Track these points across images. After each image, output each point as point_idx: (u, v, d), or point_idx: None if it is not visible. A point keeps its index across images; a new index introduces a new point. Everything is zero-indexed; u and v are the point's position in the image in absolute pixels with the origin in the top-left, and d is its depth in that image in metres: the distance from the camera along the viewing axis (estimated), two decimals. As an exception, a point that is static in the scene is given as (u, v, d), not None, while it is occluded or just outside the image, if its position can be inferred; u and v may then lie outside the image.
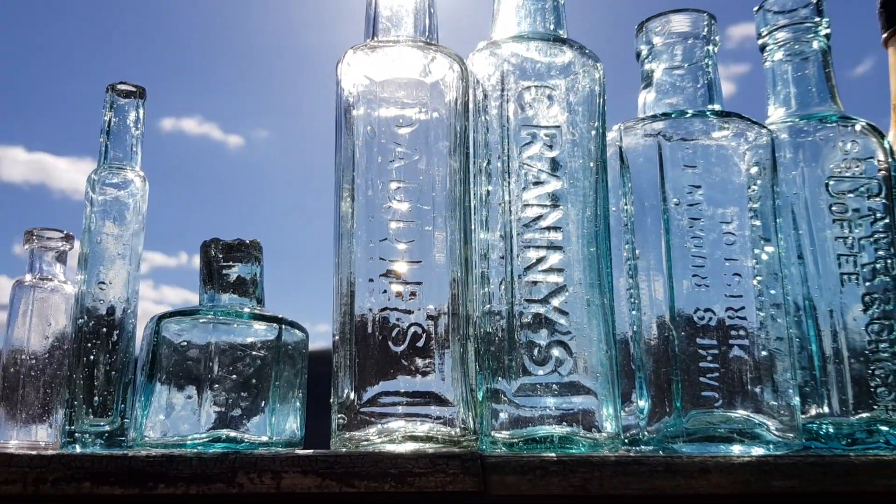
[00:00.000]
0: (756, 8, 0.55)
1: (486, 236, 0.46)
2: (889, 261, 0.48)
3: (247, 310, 0.45)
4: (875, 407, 0.46)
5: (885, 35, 0.56)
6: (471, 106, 0.49)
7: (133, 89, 0.62)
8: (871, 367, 0.46)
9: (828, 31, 0.54)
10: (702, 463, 0.42)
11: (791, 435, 0.46)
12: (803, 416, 0.47)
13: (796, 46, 0.53)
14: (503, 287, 0.45)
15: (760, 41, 0.54)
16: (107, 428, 0.55)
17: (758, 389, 0.45)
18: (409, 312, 0.45)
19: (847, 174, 0.49)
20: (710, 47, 0.52)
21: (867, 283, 0.48)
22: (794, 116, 0.51)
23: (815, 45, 0.53)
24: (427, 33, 0.51)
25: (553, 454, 0.42)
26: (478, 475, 0.40)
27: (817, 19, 0.54)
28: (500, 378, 0.44)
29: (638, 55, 0.52)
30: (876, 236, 0.48)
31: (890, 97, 0.56)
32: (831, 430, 0.46)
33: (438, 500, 0.41)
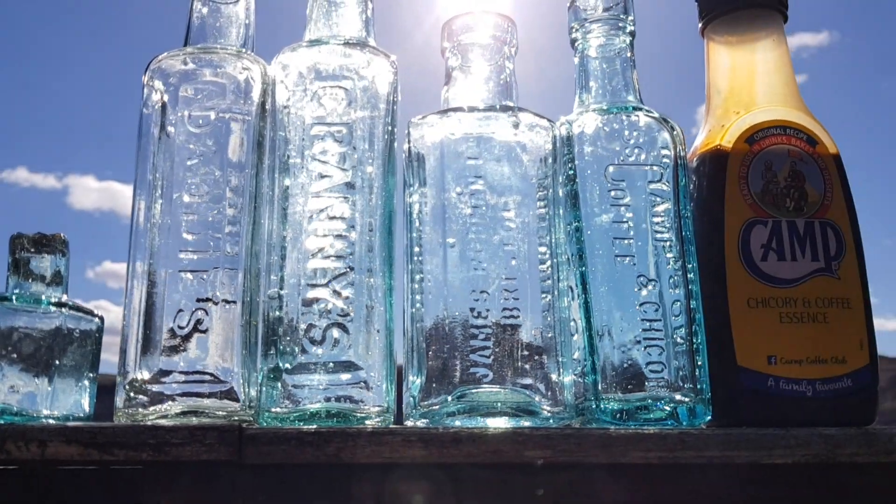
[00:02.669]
0: (568, 5, 0.58)
1: (281, 227, 0.50)
2: (665, 244, 0.51)
3: (44, 297, 0.49)
4: (647, 385, 0.49)
5: (700, 25, 0.59)
6: (276, 105, 0.52)
7: None
8: (644, 347, 0.49)
9: (633, 28, 0.57)
10: (455, 433, 0.45)
11: (560, 410, 0.48)
12: (581, 394, 0.50)
13: (602, 41, 0.56)
14: (290, 273, 0.49)
15: (571, 36, 0.57)
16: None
17: (528, 366, 0.48)
18: (199, 300, 0.48)
19: (630, 160, 0.52)
20: (507, 48, 0.55)
21: (640, 265, 0.50)
22: (593, 107, 0.54)
23: (619, 40, 0.56)
24: (244, 41, 0.55)
25: (313, 426, 0.44)
26: (234, 445, 0.44)
27: (624, 16, 0.57)
28: (281, 358, 0.47)
29: (442, 52, 0.55)
30: (654, 220, 0.51)
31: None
32: (607, 406, 0.48)
33: (197, 468, 0.44)
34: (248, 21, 0.57)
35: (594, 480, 0.48)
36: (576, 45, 0.58)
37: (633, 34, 0.58)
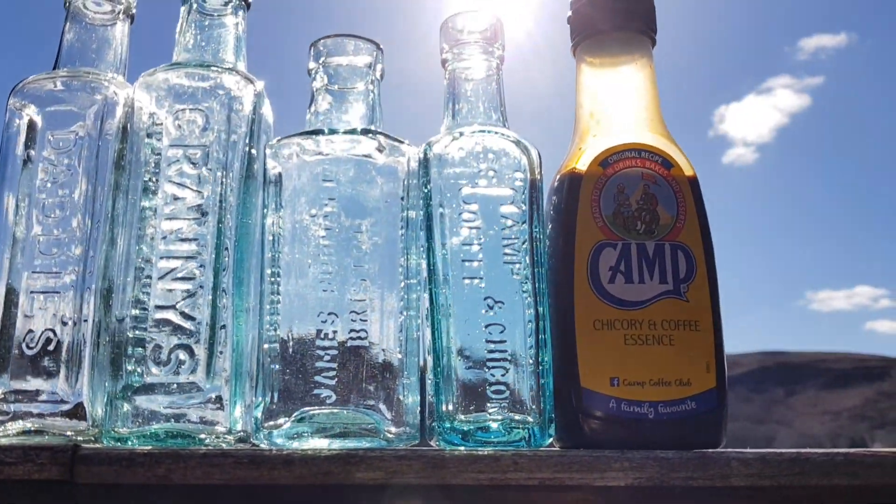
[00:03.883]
0: (440, 26, 0.59)
1: (136, 248, 0.51)
2: (515, 266, 0.51)
3: None
4: (489, 405, 0.50)
5: (571, 46, 0.60)
6: (136, 127, 0.53)
7: None
8: (489, 368, 0.50)
9: (502, 53, 0.58)
10: (287, 456, 0.46)
11: (404, 431, 0.49)
12: (434, 413, 0.51)
13: (470, 64, 0.57)
14: (141, 295, 0.50)
15: (442, 56, 0.58)
16: None
17: (372, 388, 0.49)
18: (50, 320, 0.49)
19: (483, 184, 0.53)
20: (372, 73, 0.56)
21: (488, 287, 0.51)
22: (455, 130, 0.55)
23: (488, 64, 0.57)
24: (116, 64, 0.57)
25: (147, 447, 0.46)
26: (65, 465, 0.45)
27: (493, 41, 0.58)
28: (127, 378, 0.48)
29: (309, 72, 0.56)
30: (505, 242, 0.52)
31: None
32: (449, 427, 0.49)
33: (28, 488, 0.46)
34: (122, 44, 0.58)
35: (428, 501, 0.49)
36: (446, 66, 0.59)
37: (501, 59, 0.59)
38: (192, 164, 0.52)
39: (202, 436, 0.49)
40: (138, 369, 0.49)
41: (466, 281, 0.52)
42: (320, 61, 0.56)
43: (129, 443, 0.48)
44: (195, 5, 0.57)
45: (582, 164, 0.54)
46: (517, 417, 0.51)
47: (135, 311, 0.50)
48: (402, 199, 0.53)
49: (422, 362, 0.53)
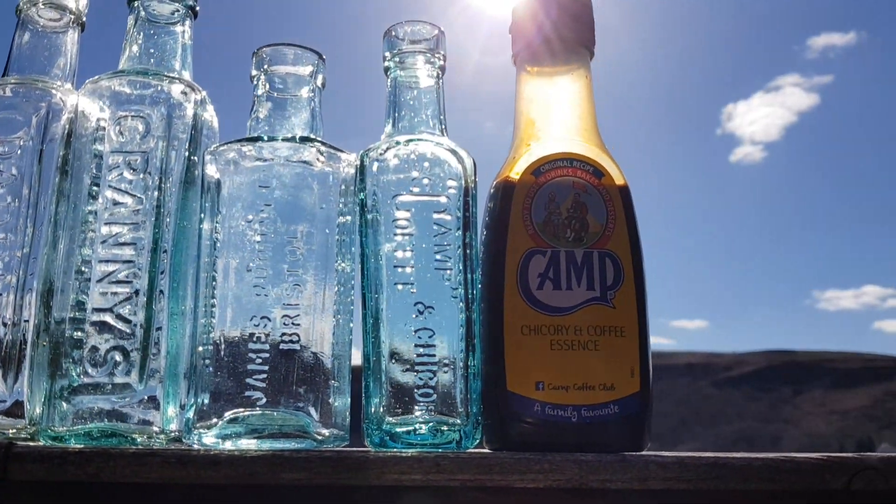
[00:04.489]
0: (384, 33, 0.60)
1: (77, 252, 0.52)
2: (447, 272, 0.53)
3: None
4: (416, 408, 0.51)
5: (512, 55, 0.61)
6: (80, 133, 0.55)
7: None
8: (417, 372, 0.51)
9: (443, 63, 0.59)
10: (215, 456, 0.47)
11: (334, 432, 0.51)
12: (364, 415, 0.52)
13: (412, 73, 0.59)
14: (80, 297, 0.51)
15: (384, 64, 0.60)
16: None
17: (302, 390, 0.50)
18: (-8, 320, 0.51)
19: (416, 191, 0.54)
20: (313, 82, 0.57)
21: (419, 293, 0.52)
22: (396, 138, 0.56)
23: (429, 73, 0.59)
24: (65, 71, 0.58)
25: (80, 445, 0.47)
26: (-2, 463, 0.46)
27: (435, 50, 0.59)
28: (64, 378, 0.50)
29: (251, 79, 0.58)
30: (437, 248, 0.53)
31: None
32: (378, 428, 0.51)
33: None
34: (71, 52, 0.60)
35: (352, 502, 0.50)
36: (388, 73, 0.60)
37: (443, 69, 0.60)
38: (133, 169, 0.54)
39: (135, 435, 0.50)
40: (76, 370, 0.51)
41: (398, 286, 0.53)
42: (262, 69, 0.58)
43: (66, 441, 0.50)
44: (142, 14, 0.59)
45: (515, 173, 0.56)
46: (445, 420, 0.52)
47: (74, 313, 0.52)
48: (338, 205, 0.55)
49: (353, 365, 0.54)
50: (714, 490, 0.50)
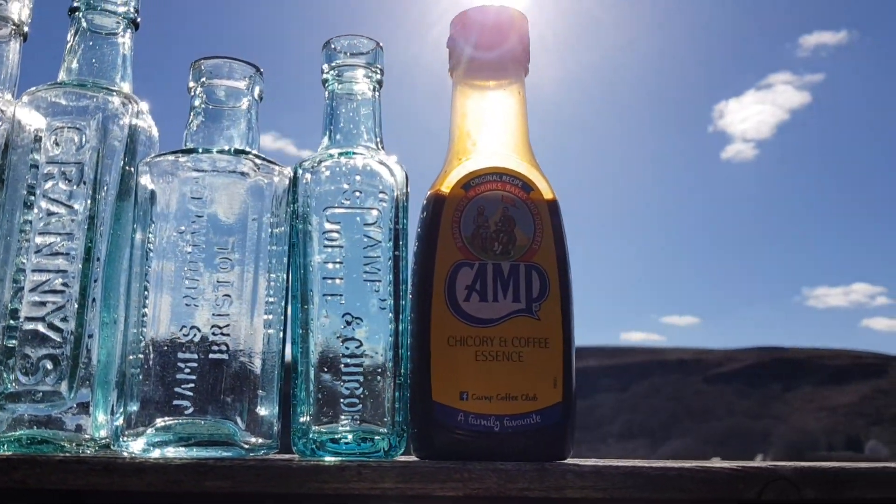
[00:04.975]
0: (323, 45, 0.61)
1: (12, 262, 0.53)
2: (376, 284, 0.54)
3: None
4: (342, 418, 0.52)
5: (449, 68, 0.63)
6: (16, 144, 0.56)
7: None
8: (344, 382, 0.53)
9: (381, 77, 0.60)
10: (140, 464, 0.49)
11: (261, 441, 0.52)
12: (292, 424, 0.54)
13: (348, 86, 0.60)
14: (15, 304, 0.53)
15: (322, 76, 0.61)
16: None
17: (230, 399, 0.52)
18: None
19: (347, 204, 0.55)
20: (250, 95, 0.58)
21: (348, 304, 0.54)
22: (330, 150, 0.58)
23: (365, 87, 0.60)
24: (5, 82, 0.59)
25: (8, 452, 0.48)
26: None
27: (373, 64, 0.60)
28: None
29: (188, 90, 0.59)
30: (366, 260, 0.54)
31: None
32: (304, 437, 0.52)
33: None
34: (12, 62, 0.61)
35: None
36: (326, 85, 0.61)
37: (380, 82, 0.61)
38: (68, 180, 0.55)
39: (64, 443, 0.52)
40: (8, 377, 0.52)
41: (328, 297, 0.55)
42: (200, 81, 0.59)
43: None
44: (83, 25, 0.60)
45: (446, 186, 0.57)
46: (372, 429, 0.53)
47: (8, 321, 0.53)
48: (271, 217, 0.56)
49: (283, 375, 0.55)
50: (629, 499, 0.52)
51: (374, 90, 0.61)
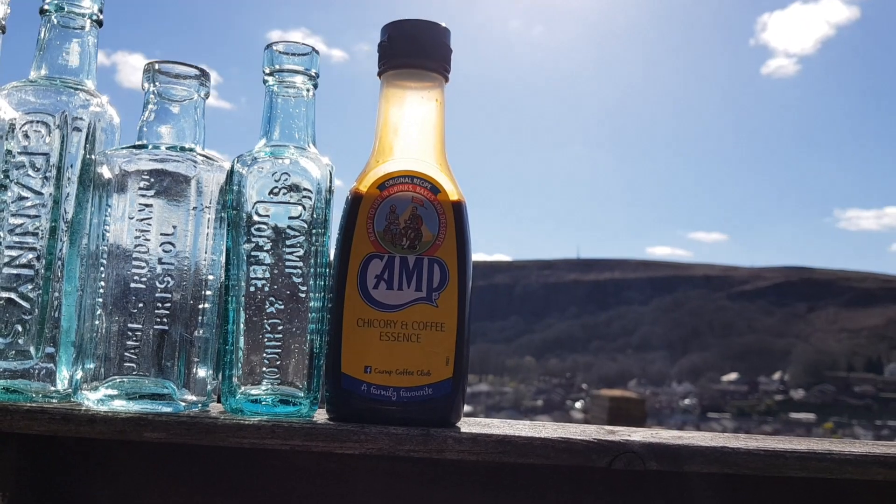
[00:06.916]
0: (265, 47, 0.69)
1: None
2: (297, 271, 0.64)
3: None
4: (264, 382, 0.63)
5: (377, 72, 0.70)
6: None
7: None
8: (265, 351, 0.63)
9: (316, 81, 0.68)
10: (92, 415, 0.60)
11: (196, 399, 0.63)
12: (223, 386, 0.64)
13: (286, 86, 0.68)
14: (-8, 276, 0.63)
15: (263, 77, 0.69)
16: None
17: (170, 363, 0.62)
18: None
19: (275, 199, 0.64)
20: (198, 95, 0.67)
21: (271, 288, 0.63)
22: (267, 146, 0.66)
23: (301, 88, 0.68)
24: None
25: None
26: None
27: (311, 68, 0.68)
28: (-23, 344, 0.62)
29: (143, 88, 0.67)
30: (288, 250, 0.64)
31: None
32: (231, 398, 0.63)
33: None
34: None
35: (200, 461, 0.63)
36: (266, 85, 0.69)
37: (315, 85, 0.69)
38: (36, 169, 0.64)
39: (33, 393, 0.63)
40: (-16, 337, 0.63)
41: (255, 281, 0.64)
42: (152, 81, 0.67)
43: (-27, 397, 0.62)
44: (54, 20, 0.68)
45: (364, 186, 0.65)
46: (290, 392, 0.64)
47: (-15, 291, 0.63)
48: (211, 206, 0.65)
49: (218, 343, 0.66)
50: (499, 462, 0.62)
51: (308, 92, 0.69)
